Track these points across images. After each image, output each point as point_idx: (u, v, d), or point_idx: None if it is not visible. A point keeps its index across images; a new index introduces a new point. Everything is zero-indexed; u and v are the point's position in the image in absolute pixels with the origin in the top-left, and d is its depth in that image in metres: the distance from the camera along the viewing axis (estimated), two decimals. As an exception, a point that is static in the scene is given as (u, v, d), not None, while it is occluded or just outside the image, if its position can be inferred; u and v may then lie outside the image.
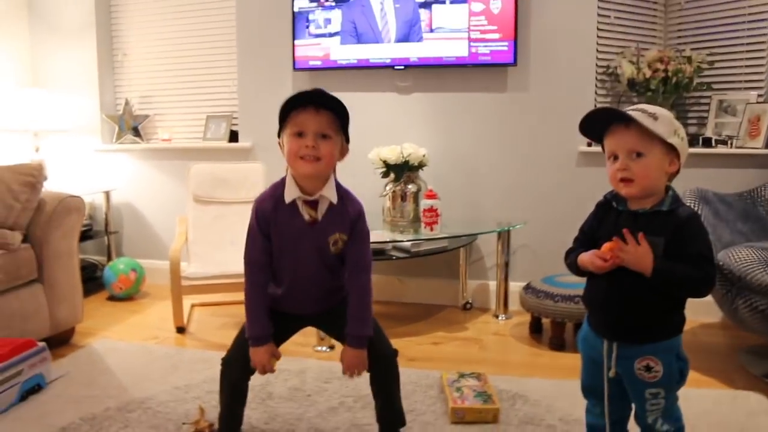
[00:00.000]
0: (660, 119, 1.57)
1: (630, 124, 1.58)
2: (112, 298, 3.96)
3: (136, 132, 4.36)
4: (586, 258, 1.67)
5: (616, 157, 1.62)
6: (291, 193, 1.80)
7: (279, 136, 1.83)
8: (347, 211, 1.84)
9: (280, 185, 1.84)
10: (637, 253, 1.56)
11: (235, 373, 1.97)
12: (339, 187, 1.86)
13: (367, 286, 1.89)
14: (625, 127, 1.59)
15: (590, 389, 1.81)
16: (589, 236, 1.74)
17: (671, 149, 1.58)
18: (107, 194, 4.28)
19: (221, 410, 2.02)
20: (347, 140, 1.84)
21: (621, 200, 1.68)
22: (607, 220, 1.70)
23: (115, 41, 4.45)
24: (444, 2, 3.57)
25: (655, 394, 1.64)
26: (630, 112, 1.58)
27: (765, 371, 2.70)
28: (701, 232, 1.59)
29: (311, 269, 1.86)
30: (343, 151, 1.84)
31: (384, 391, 2.00)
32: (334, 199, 1.81)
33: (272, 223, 1.82)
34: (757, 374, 2.69)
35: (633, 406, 1.73)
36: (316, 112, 1.74)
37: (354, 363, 1.87)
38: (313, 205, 1.81)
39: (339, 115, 1.76)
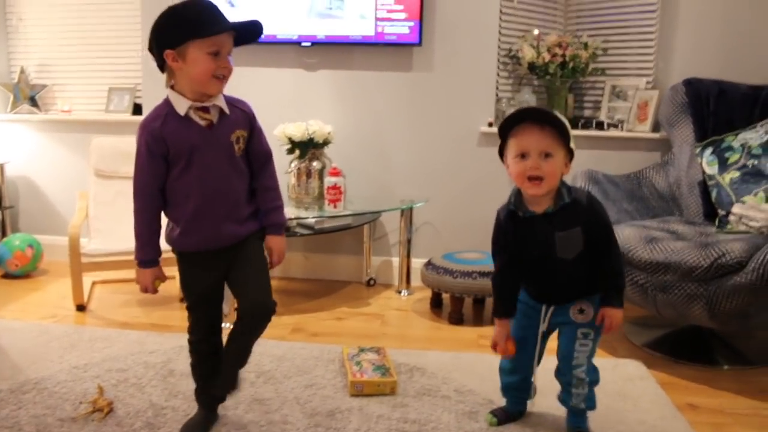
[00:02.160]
0: (565, 125, 1.73)
1: (545, 126, 1.70)
2: (7, 276, 3.81)
3: (33, 102, 4.18)
4: (495, 335, 1.95)
5: (523, 156, 1.74)
6: (182, 105, 1.76)
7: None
8: (241, 110, 1.86)
9: (163, 105, 1.79)
10: (616, 321, 1.82)
11: (203, 347, 1.98)
12: (226, 96, 1.84)
13: (275, 175, 1.94)
14: (540, 128, 1.71)
15: (520, 344, 1.96)
16: (509, 248, 1.89)
17: (569, 152, 1.75)
18: (1, 167, 4.11)
19: (197, 387, 2.05)
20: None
21: (521, 207, 1.82)
22: (520, 229, 1.84)
23: (9, 4, 4.23)
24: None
25: (585, 334, 1.87)
26: (546, 113, 1.75)
27: (645, 341, 2.91)
28: (601, 208, 1.82)
29: (220, 174, 1.80)
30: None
31: (241, 343, 1.95)
32: (225, 107, 1.81)
33: (166, 139, 1.75)
34: (637, 343, 2.89)
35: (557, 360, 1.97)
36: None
37: (282, 248, 1.94)
38: (206, 110, 1.78)
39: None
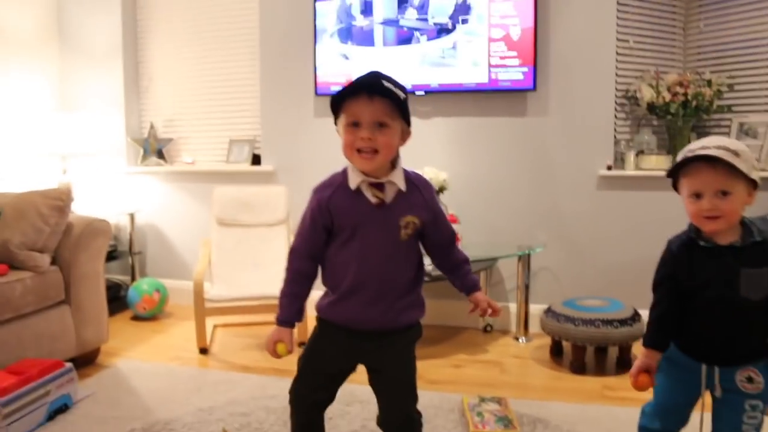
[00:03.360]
0: (741, 155, 1.57)
1: (716, 164, 1.56)
2: (136, 318, 4.00)
3: (161, 155, 4.42)
4: (636, 364, 1.72)
5: (697, 195, 1.61)
6: (355, 179, 1.65)
7: (335, 123, 1.69)
8: (419, 193, 1.70)
9: (339, 174, 1.70)
10: None
11: (305, 404, 1.86)
12: (407, 172, 1.71)
13: (461, 251, 1.83)
14: (709, 167, 1.58)
15: (669, 408, 1.78)
16: (680, 283, 1.69)
17: (751, 182, 1.59)
18: (132, 216, 4.34)
19: None
20: (408, 123, 1.67)
21: (702, 236, 1.66)
22: (700, 260, 1.66)
23: (141, 66, 4.53)
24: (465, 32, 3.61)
25: (754, 406, 1.66)
26: (714, 152, 1.56)
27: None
28: None
29: (383, 254, 1.68)
30: (405, 136, 1.68)
31: None
32: (403, 186, 1.66)
33: (332, 211, 1.66)
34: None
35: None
36: (369, 100, 1.59)
37: (486, 298, 1.82)
38: (380, 187, 1.66)
39: (396, 100, 1.60)
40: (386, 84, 1.59)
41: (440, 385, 2.90)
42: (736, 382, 1.64)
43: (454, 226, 3.22)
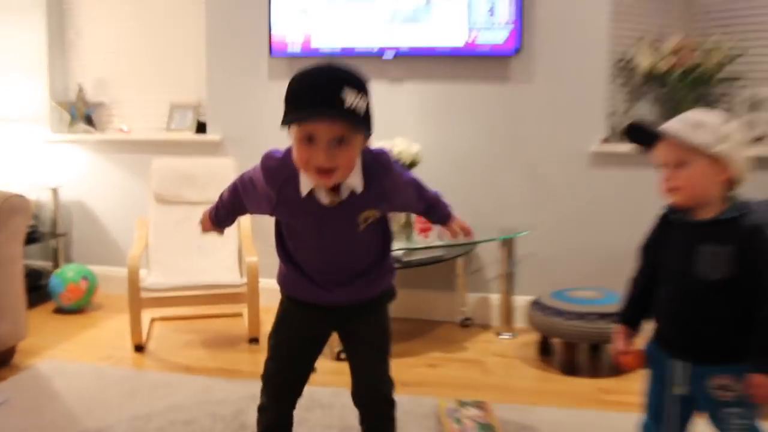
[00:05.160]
0: (704, 127, 1.64)
1: (669, 139, 1.68)
2: (60, 311, 3.91)
3: (90, 121, 4.31)
4: (616, 343, 1.87)
5: (663, 167, 1.72)
6: (307, 184, 1.65)
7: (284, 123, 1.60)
8: (378, 183, 1.70)
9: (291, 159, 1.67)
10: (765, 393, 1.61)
11: (276, 386, 1.91)
12: (365, 159, 1.68)
13: (431, 193, 1.97)
14: (665, 138, 1.69)
15: (658, 409, 1.82)
16: (653, 253, 1.84)
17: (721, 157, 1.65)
18: (55, 191, 4.23)
19: None
20: (370, 126, 1.62)
21: (679, 212, 1.75)
22: (671, 234, 1.78)
23: (68, 16, 4.40)
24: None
25: (738, 414, 1.67)
26: (669, 123, 1.68)
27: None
28: (765, 238, 1.65)
29: (337, 249, 1.75)
30: (367, 139, 1.66)
31: None
32: (360, 187, 1.67)
33: (281, 195, 1.69)
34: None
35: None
36: (328, 118, 1.54)
37: (457, 222, 2.04)
38: (335, 190, 1.67)
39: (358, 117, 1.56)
40: (348, 98, 1.51)
41: (413, 387, 2.88)
42: (707, 389, 1.67)
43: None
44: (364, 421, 1.91)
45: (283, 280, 1.86)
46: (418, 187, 1.90)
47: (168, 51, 4.26)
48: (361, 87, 1.56)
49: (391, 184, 1.73)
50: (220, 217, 1.95)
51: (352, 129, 1.56)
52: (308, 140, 1.54)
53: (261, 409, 1.91)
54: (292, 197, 1.67)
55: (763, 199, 3.01)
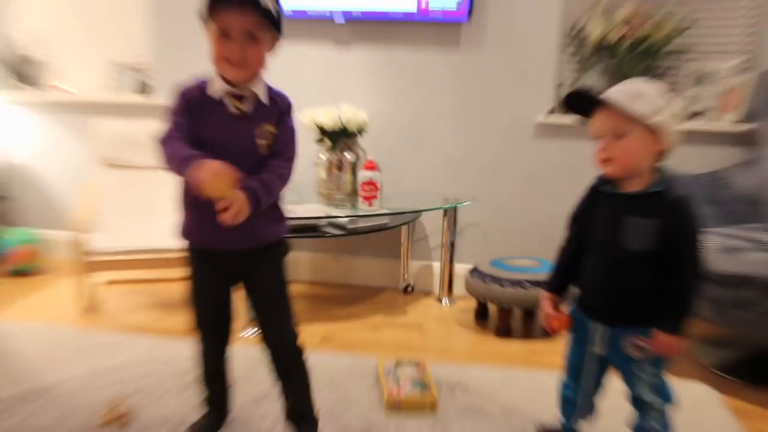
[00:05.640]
0: (643, 97, 1.70)
1: (608, 107, 1.73)
2: (5, 275, 3.93)
3: (23, 78, 4.25)
4: (544, 308, 2.01)
5: (599, 138, 1.79)
6: (217, 88, 1.84)
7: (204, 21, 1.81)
8: (276, 104, 1.91)
9: (203, 80, 1.87)
10: (667, 349, 1.78)
11: (207, 335, 2.12)
12: (271, 89, 1.91)
13: (283, 166, 1.89)
14: (604, 108, 1.75)
15: (576, 368, 2.00)
16: (581, 223, 1.94)
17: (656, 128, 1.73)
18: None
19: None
20: (279, 31, 1.86)
21: (609, 183, 1.85)
22: (599, 204, 1.88)
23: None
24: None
25: (645, 369, 1.85)
26: (610, 92, 1.73)
27: (715, 362, 2.93)
28: (687, 211, 1.76)
29: (239, 168, 1.74)
30: (274, 44, 1.88)
31: (292, 385, 2.13)
32: (264, 98, 1.87)
33: (196, 112, 1.84)
34: (707, 365, 2.91)
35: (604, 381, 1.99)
36: (241, 10, 1.74)
37: (240, 205, 1.77)
38: (240, 99, 1.85)
39: (268, 13, 1.77)
40: None
41: (354, 348, 3.02)
42: (622, 347, 1.85)
43: (373, 174, 3.32)
44: (272, 361, 2.08)
45: (184, 231, 1.95)
46: (289, 143, 1.93)
47: (113, 8, 4.18)
48: None
49: (285, 105, 1.93)
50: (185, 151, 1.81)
51: (262, 25, 1.78)
52: (223, 35, 1.76)
53: (197, 356, 2.15)
54: (203, 103, 1.84)
55: (694, 172, 3.22)
